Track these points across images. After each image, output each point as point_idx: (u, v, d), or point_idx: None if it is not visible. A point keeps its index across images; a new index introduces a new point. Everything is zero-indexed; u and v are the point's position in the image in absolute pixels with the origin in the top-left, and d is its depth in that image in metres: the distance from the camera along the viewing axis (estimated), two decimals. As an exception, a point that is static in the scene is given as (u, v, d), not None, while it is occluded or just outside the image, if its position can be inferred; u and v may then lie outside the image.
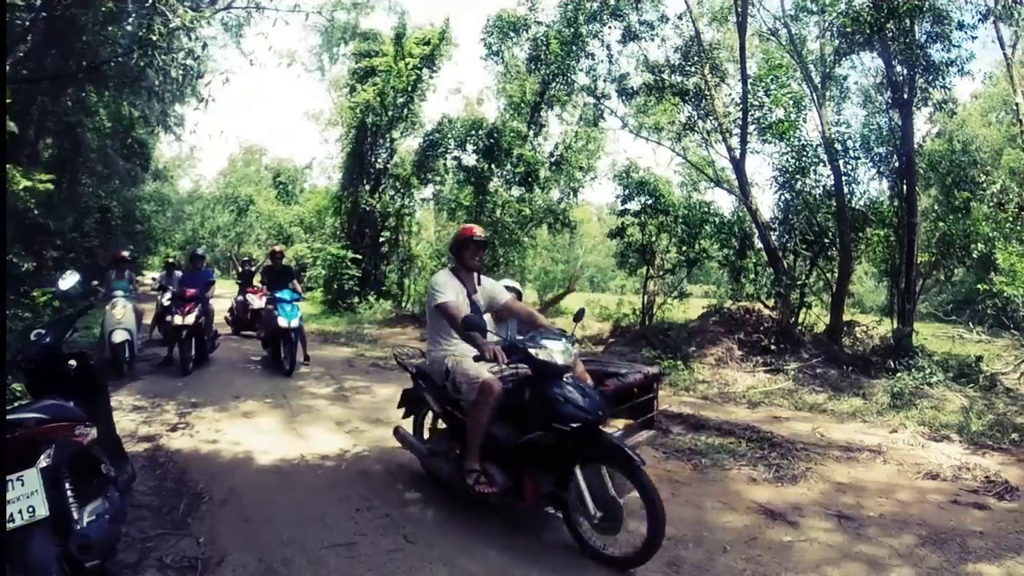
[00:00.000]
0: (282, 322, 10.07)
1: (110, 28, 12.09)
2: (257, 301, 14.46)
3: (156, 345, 12.03)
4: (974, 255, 12.20)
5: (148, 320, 12.48)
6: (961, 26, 11.50)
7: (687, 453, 6.34)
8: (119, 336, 9.39)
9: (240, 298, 15.06)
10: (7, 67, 11.57)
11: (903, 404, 8.85)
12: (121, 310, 9.61)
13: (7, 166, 9.29)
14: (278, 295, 10.38)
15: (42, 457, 2.99)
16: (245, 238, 47.08)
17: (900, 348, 11.08)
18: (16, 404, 5.28)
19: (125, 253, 11.40)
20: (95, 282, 10.00)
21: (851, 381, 10.23)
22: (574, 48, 16.93)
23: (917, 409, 8.57)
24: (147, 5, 10.77)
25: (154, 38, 10.63)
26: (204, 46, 12.41)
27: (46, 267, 12.88)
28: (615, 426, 5.25)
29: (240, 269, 16.45)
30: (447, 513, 4.69)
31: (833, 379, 10.40)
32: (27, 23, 12.48)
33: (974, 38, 11.68)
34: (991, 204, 12.89)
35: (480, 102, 25.04)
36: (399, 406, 5.54)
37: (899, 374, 9.93)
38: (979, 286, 11.91)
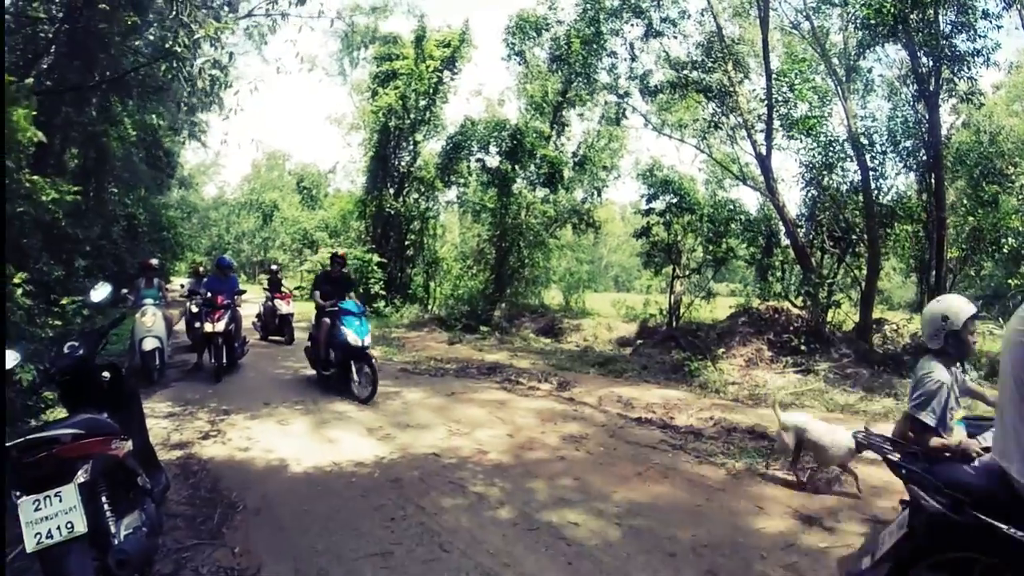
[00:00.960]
0: (354, 339, 8.76)
1: (133, 40, 12.22)
2: (285, 307, 14.63)
3: (185, 351, 12.16)
4: (1004, 249, 11.98)
5: (178, 327, 12.63)
6: (986, 15, 11.30)
7: (719, 457, 6.30)
8: (150, 344, 9.46)
9: (268, 304, 15.11)
10: (32, 78, 11.75)
11: (936, 404, 8.69)
12: (151, 318, 9.66)
13: (35, 177, 9.40)
14: (343, 305, 9.23)
15: (79, 472, 3.01)
16: (270, 244, 47.46)
17: (931, 346, 10.89)
18: (51, 419, 5.39)
19: (154, 261, 11.40)
20: (124, 290, 10.09)
21: (883, 381, 10.08)
22: (595, 47, 16.86)
23: (951, 409, 8.42)
24: (171, 17, 10.89)
25: (179, 49, 10.73)
26: (231, 56, 12.52)
27: (75, 275, 13.04)
28: None
29: (268, 274, 16.38)
30: (482, 521, 4.68)
31: (864, 379, 10.26)
32: (50, 35, 12.67)
33: (999, 27, 11.46)
34: (1020, 197, 12.67)
35: (501, 103, 25.02)
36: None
37: (931, 373, 9.78)
38: (1010, 281, 11.71)
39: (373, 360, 8.86)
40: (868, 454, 6.42)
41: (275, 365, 11.71)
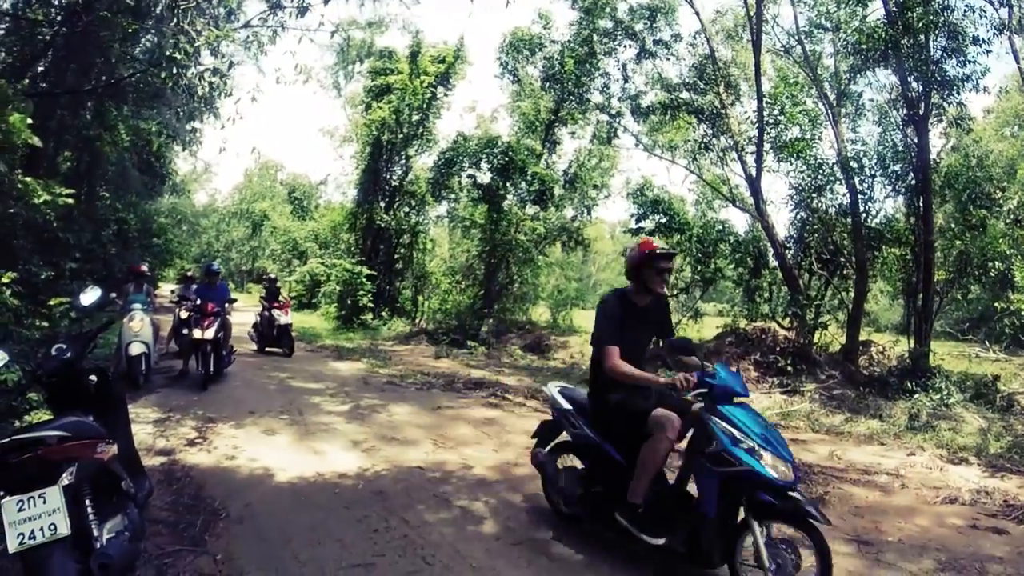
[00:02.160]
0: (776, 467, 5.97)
1: (130, 46, 12.24)
2: (284, 317, 14.40)
3: (172, 358, 12.11)
4: (991, 273, 12.10)
5: (164, 332, 12.57)
6: (976, 40, 11.45)
7: (704, 475, 6.29)
8: (136, 348, 9.44)
9: (265, 314, 14.71)
10: (26, 81, 11.73)
11: (921, 426, 8.76)
12: (139, 323, 9.64)
13: (27, 179, 9.39)
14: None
15: (64, 475, 3.02)
16: (259, 253, 47.37)
17: (917, 368, 10.98)
18: (36, 421, 5.36)
19: (143, 267, 11.38)
20: (113, 295, 10.05)
21: (868, 403, 10.14)
22: (588, 66, 17.00)
23: (935, 431, 8.49)
24: (171, 24, 10.91)
25: (178, 56, 10.75)
26: (230, 65, 12.53)
27: (63, 277, 12.97)
28: None
29: (267, 283, 15.95)
30: (465, 535, 4.68)
31: (850, 400, 10.31)
32: (48, 38, 12.66)
33: (988, 51, 11.62)
34: (1008, 221, 12.80)
35: (494, 119, 25.20)
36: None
37: (916, 395, 9.84)
38: (996, 304, 11.81)
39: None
40: (853, 475, 6.49)
41: (262, 375, 11.65)
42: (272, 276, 17.05)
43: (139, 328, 9.61)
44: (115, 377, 9.08)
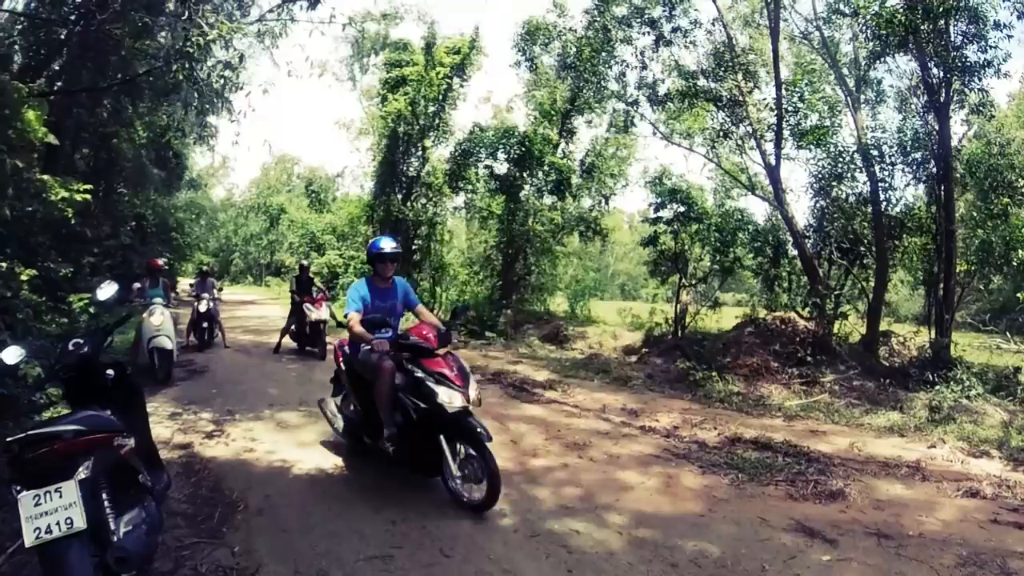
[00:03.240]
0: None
1: (145, 41, 12.28)
2: (316, 312, 12.60)
3: (191, 351, 12.23)
4: (1013, 263, 11.89)
5: (183, 326, 12.69)
6: (998, 25, 11.25)
7: (724, 468, 6.27)
8: (163, 343, 9.42)
9: (301, 308, 12.99)
10: (43, 81, 11.82)
11: (942, 418, 8.65)
12: (160, 317, 9.58)
13: (45, 176, 9.47)
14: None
15: (81, 469, 3.03)
16: (277, 246, 47.60)
17: (938, 360, 10.85)
18: (54, 415, 5.41)
19: (161, 261, 11.37)
20: (137, 285, 10.13)
21: (889, 394, 10.03)
22: (605, 54, 16.87)
23: (956, 423, 8.38)
24: (183, 18, 10.94)
25: (191, 50, 10.77)
26: (241, 58, 12.56)
27: (82, 273, 13.09)
28: None
29: (298, 275, 13.89)
30: (484, 527, 4.68)
31: (870, 392, 10.21)
32: (63, 37, 12.74)
33: (1010, 36, 11.40)
34: (1031, 210, 12.59)
35: (509, 109, 25.11)
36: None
37: (937, 387, 9.72)
38: (1019, 295, 11.64)
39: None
40: (873, 467, 6.41)
41: (280, 367, 11.70)
42: (305, 262, 15.25)
43: (160, 322, 9.54)
44: (134, 372, 9.15)
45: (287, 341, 13.39)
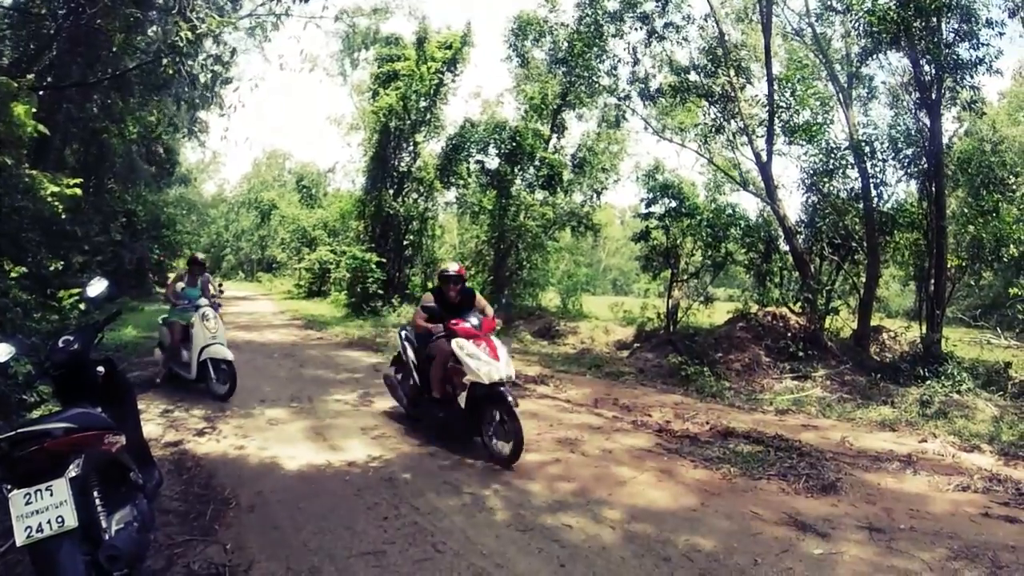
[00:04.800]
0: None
1: (135, 36, 12.21)
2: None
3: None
4: (1004, 259, 11.95)
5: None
6: (989, 23, 11.28)
7: (716, 462, 6.28)
8: (223, 352, 8.50)
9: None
10: (32, 75, 11.73)
11: (933, 413, 8.68)
12: (214, 323, 8.71)
13: (34, 172, 9.41)
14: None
15: (71, 467, 3.02)
16: (269, 242, 47.49)
17: (929, 355, 10.89)
18: (44, 412, 5.38)
19: (200, 255, 10.11)
20: (181, 284, 9.35)
21: (880, 389, 10.05)
22: (596, 49, 16.84)
23: (947, 418, 8.42)
24: (173, 12, 10.88)
25: (181, 44, 10.72)
26: (233, 52, 12.51)
27: (72, 270, 13.01)
28: None
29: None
30: (476, 522, 4.68)
31: (861, 387, 10.24)
32: (53, 31, 12.65)
33: (1002, 34, 11.44)
34: (1021, 206, 12.64)
35: (499, 104, 25.11)
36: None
37: (928, 382, 9.75)
38: (1010, 290, 11.69)
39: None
40: (864, 461, 6.44)
41: (272, 363, 11.67)
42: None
43: (214, 328, 8.65)
44: (162, 382, 9.00)
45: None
